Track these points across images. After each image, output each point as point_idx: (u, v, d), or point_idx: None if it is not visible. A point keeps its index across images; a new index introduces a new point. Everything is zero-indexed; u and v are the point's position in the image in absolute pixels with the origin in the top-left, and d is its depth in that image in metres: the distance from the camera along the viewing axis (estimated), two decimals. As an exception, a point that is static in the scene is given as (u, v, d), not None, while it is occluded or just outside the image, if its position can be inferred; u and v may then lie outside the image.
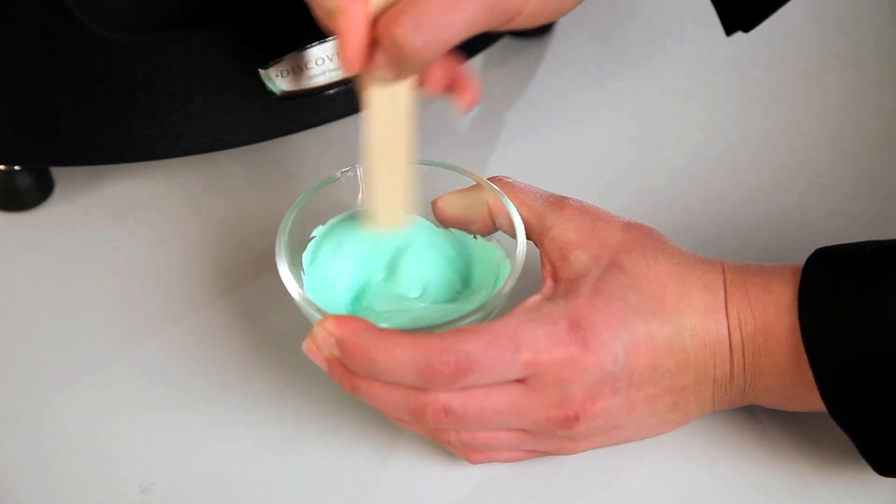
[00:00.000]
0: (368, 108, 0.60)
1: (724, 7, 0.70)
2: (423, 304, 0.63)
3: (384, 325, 0.60)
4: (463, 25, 0.57)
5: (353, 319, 0.57)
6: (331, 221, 0.66)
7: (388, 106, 0.60)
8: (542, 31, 0.87)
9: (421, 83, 0.60)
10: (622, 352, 0.58)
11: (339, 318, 0.57)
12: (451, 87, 0.61)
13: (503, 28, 0.60)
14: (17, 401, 0.66)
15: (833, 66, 0.83)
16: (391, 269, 0.64)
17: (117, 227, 0.75)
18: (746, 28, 0.71)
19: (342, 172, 0.65)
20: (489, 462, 0.62)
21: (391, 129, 0.61)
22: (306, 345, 0.58)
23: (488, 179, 0.64)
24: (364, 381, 0.58)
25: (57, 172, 0.77)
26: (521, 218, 0.63)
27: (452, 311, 0.62)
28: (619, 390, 0.58)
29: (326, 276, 0.64)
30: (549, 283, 0.60)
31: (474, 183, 0.65)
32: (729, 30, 0.71)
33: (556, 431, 0.59)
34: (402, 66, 0.57)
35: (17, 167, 0.74)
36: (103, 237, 0.75)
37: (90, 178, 0.78)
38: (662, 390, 0.59)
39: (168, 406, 0.66)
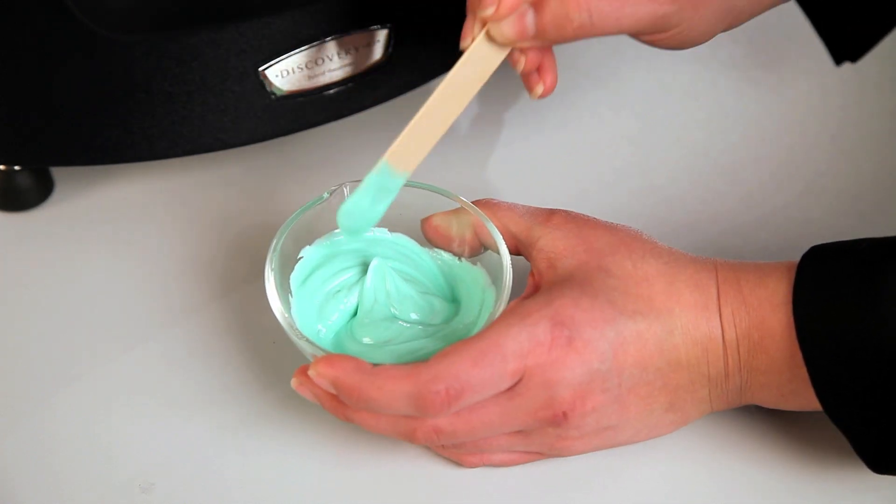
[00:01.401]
0: (464, 56, 0.60)
1: (831, 39, 0.71)
2: (408, 328, 0.64)
3: (369, 342, 0.62)
4: (627, 24, 0.58)
5: (341, 359, 0.58)
6: (318, 241, 0.66)
7: (478, 62, 0.60)
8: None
9: (515, 60, 0.61)
10: (609, 350, 0.58)
11: (328, 361, 0.58)
12: (538, 69, 0.62)
13: (649, 38, 0.61)
14: (17, 401, 0.66)
15: (832, 66, 0.83)
16: (379, 291, 0.65)
17: (117, 227, 0.75)
18: (854, 58, 0.71)
19: (330, 192, 0.65)
20: (484, 465, 0.62)
21: (464, 84, 0.60)
22: (296, 385, 0.59)
23: (477, 201, 0.64)
24: (357, 414, 0.59)
25: (57, 172, 0.77)
26: (511, 234, 0.63)
27: (438, 345, 0.62)
28: (610, 389, 0.58)
29: (313, 302, 0.65)
30: (530, 289, 0.61)
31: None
32: (838, 60, 0.72)
33: (545, 429, 0.59)
34: (546, 34, 0.58)
35: (17, 167, 0.74)
36: (103, 237, 0.75)
37: (90, 178, 0.78)
38: (655, 389, 0.59)
39: (168, 406, 0.66)
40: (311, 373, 0.58)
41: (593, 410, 0.58)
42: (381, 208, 0.63)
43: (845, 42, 0.72)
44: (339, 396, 0.58)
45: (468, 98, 0.61)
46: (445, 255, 0.66)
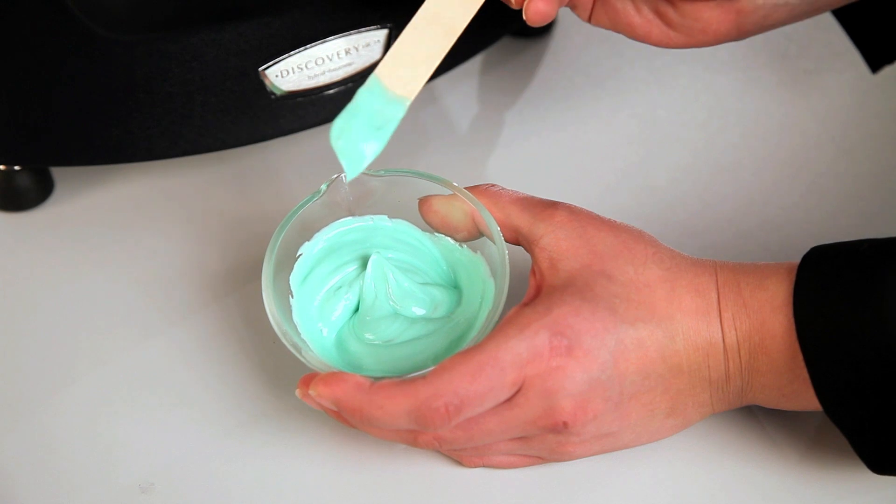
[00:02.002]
0: None
1: (867, 46, 0.71)
2: (411, 325, 0.64)
3: (371, 340, 0.62)
4: None
5: (339, 379, 0.58)
6: (316, 236, 0.65)
7: None
8: (542, 31, 0.87)
9: None
10: (609, 359, 0.57)
11: (326, 381, 0.58)
12: None
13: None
14: (17, 401, 0.66)
15: (833, 66, 0.83)
16: (379, 287, 0.64)
17: (117, 228, 0.75)
18: (891, 59, 0.71)
19: (327, 184, 0.64)
20: (485, 466, 0.62)
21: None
22: (300, 395, 0.59)
23: (477, 187, 0.64)
24: (360, 425, 0.59)
25: (57, 172, 0.77)
26: (513, 226, 0.62)
27: (440, 342, 0.63)
28: (611, 397, 0.58)
29: (314, 300, 0.65)
30: (532, 291, 0.60)
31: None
32: (875, 67, 0.72)
33: (546, 436, 0.59)
34: None
35: (17, 167, 0.74)
36: (103, 237, 0.75)
37: (90, 178, 0.78)
38: (657, 395, 0.59)
39: (168, 406, 0.66)
40: (311, 392, 0.58)
41: (594, 418, 0.58)
42: (377, 139, 0.61)
43: (882, 45, 0.72)
44: (340, 413, 0.59)
45: (472, 6, 0.58)
46: (446, 240, 0.66)
